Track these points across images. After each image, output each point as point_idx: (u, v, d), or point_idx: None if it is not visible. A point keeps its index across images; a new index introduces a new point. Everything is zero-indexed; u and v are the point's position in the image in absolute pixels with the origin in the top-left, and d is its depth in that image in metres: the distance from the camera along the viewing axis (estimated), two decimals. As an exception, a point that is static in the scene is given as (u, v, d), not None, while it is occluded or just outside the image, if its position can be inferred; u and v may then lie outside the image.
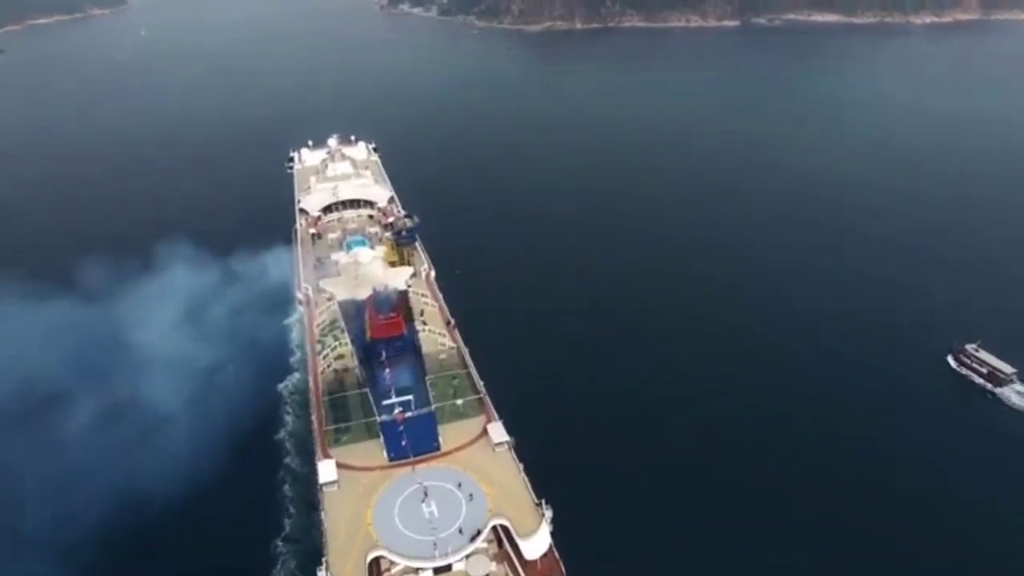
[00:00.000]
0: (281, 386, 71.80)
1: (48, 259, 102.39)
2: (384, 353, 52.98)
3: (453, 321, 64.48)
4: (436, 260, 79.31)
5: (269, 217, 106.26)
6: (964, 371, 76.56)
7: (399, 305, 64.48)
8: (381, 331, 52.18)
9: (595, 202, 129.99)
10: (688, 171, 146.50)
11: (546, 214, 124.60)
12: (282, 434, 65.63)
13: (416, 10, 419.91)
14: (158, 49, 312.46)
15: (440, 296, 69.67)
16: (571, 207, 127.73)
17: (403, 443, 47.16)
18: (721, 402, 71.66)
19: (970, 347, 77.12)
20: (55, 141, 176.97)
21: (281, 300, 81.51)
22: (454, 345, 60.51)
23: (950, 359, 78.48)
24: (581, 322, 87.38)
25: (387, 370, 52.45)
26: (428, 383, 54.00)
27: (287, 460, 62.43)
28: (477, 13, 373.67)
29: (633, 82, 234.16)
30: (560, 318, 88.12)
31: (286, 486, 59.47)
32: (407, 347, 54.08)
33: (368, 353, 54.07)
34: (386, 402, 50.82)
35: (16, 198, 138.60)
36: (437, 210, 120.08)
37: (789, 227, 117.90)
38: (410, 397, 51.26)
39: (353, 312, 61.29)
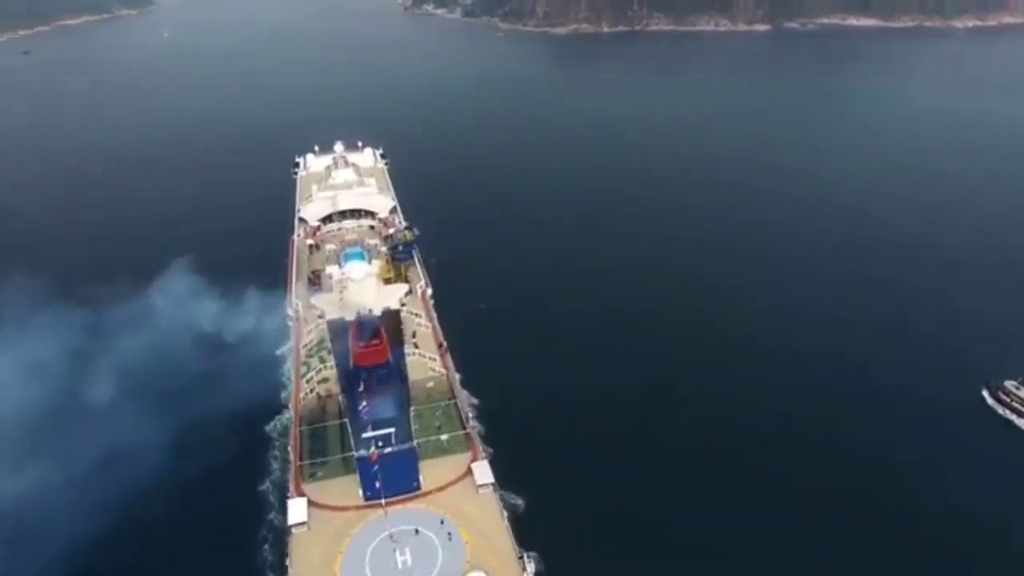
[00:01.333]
0: (268, 427, 65.25)
1: (35, 265, 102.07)
2: (366, 382, 50.03)
3: (446, 344, 61.56)
4: (444, 275, 77.79)
5: (274, 226, 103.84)
6: (1002, 410, 70.89)
7: (390, 326, 61.74)
8: (363, 358, 49.25)
9: (616, 213, 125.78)
10: (714, 178, 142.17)
11: (562, 225, 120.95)
12: (266, 484, 58.69)
13: (440, 11, 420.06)
14: (178, 50, 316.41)
15: (435, 316, 66.80)
16: (590, 218, 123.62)
17: (376, 485, 44.22)
18: (749, 450, 66.26)
19: (1010, 384, 71.56)
20: (60, 142, 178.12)
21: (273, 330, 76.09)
22: (444, 371, 57.48)
23: (985, 394, 72.90)
24: (596, 346, 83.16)
25: (368, 400, 49.55)
26: (413, 414, 51.00)
27: (270, 516, 54.79)
28: (501, 15, 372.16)
29: (659, 88, 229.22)
30: (573, 342, 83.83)
31: (267, 547, 52.71)
32: (392, 375, 51.01)
33: (350, 380, 51.15)
34: (366, 435, 48.00)
35: (13, 197, 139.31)
36: (445, 221, 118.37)
37: (817, 238, 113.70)
38: (391, 430, 48.36)
39: (340, 333, 58.39)
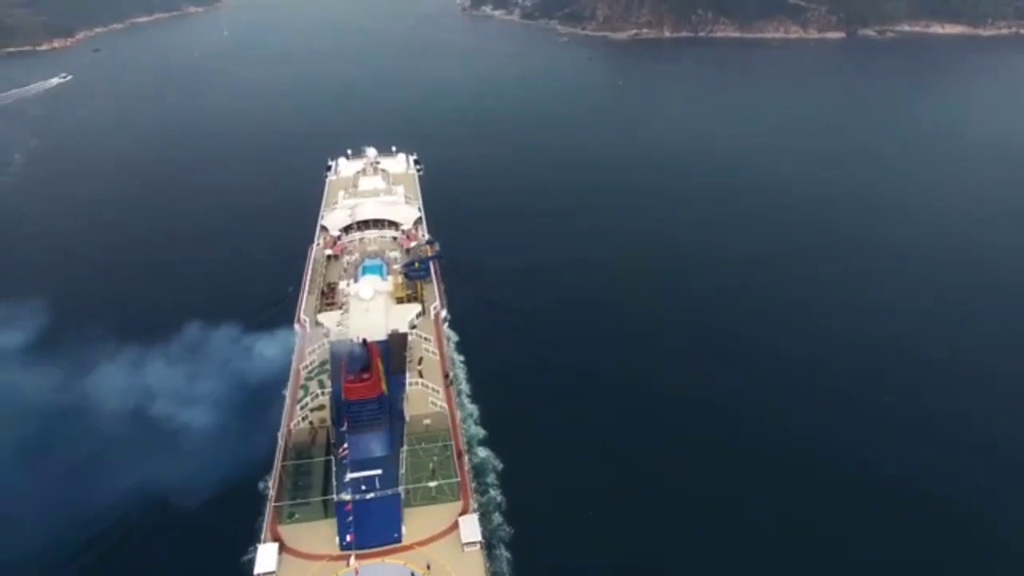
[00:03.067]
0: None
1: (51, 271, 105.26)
2: (354, 417, 46.81)
3: (452, 375, 57.68)
4: (468, 291, 75.35)
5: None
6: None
7: (395, 350, 58.51)
8: (352, 392, 46.11)
9: (662, 238, 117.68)
10: (779, 207, 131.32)
11: (604, 249, 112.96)
12: (242, 524, 50.72)
13: (498, 12, 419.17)
14: (235, 49, 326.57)
15: (445, 341, 63.12)
16: (633, 244, 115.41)
17: (348, 537, 40.68)
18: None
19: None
20: (98, 141, 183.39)
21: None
22: (444, 407, 53.58)
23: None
24: (628, 395, 75.54)
25: (354, 438, 46.31)
26: (403, 455, 47.36)
27: (245, 558, 47.27)
28: (560, 18, 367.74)
29: (721, 100, 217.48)
30: (601, 390, 76.15)
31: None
32: (384, 410, 47.64)
33: (340, 413, 48.10)
34: (350, 475, 44.71)
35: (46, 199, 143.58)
36: (475, 236, 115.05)
37: (892, 279, 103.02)
38: (378, 472, 44.96)
39: (343, 357, 55.32)
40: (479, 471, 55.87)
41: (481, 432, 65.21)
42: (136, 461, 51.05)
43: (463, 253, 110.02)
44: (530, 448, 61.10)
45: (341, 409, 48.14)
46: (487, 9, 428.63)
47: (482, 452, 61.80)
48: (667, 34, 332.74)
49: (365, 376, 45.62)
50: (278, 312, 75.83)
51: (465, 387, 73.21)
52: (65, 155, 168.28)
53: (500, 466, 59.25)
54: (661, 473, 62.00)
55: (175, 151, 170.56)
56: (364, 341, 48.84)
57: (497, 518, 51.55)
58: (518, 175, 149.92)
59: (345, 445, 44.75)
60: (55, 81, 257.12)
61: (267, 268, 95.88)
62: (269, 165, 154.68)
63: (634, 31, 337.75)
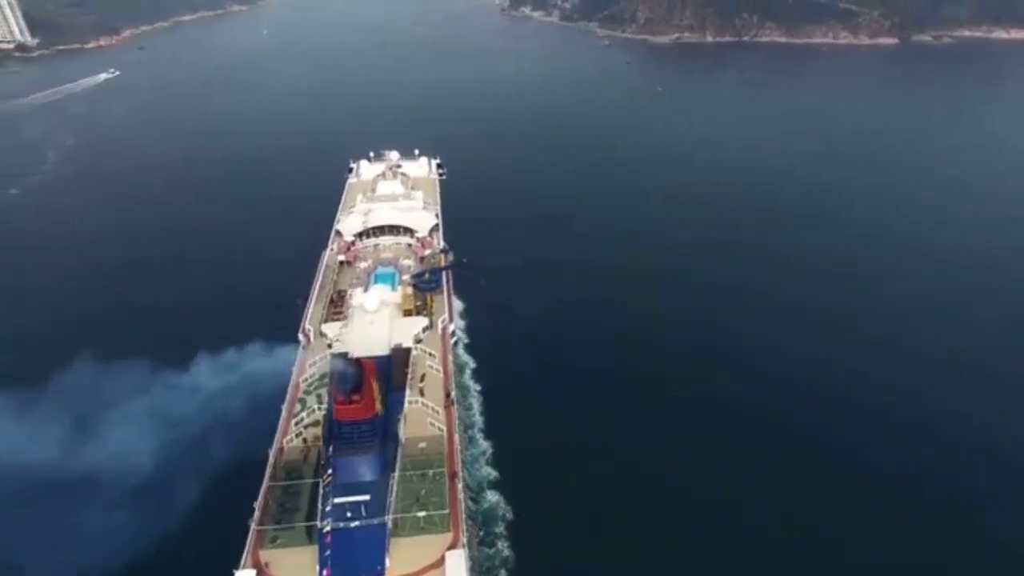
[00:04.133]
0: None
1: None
2: (343, 439, 44.91)
3: (454, 395, 55.28)
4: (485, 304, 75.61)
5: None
6: None
7: (397, 366, 56.57)
8: (342, 413, 44.22)
9: (693, 255, 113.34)
10: (819, 219, 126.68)
11: (632, 266, 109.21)
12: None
13: (537, 13, 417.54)
14: (274, 47, 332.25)
15: (451, 357, 60.78)
16: (669, 256, 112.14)
17: (324, 572, 38.65)
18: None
19: None
20: (131, 139, 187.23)
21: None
22: (443, 430, 51.21)
23: None
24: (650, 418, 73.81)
25: (342, 461, 44.44)
26: (394, 481, 45.20)
27: None
28: (600, 20, 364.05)
29: (765, 108, 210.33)
30: (620, 413, 74.70)
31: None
32: (376, 432, 45.56)
33: (331, 432, 46.28)
34: (336, 500, 42.83)
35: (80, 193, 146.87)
36: (498, 243, 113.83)
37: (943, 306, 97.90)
38: (365, 498, 42.88)
39: (342, 371, 53.45)
40: (487, 518, 53.87)
41: (492, 474, 63.16)
42: (119, 477, 50.02)
43: (484, 260, 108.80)
44: (545, 497, 58.51)
45: (332, 429, 46.36)
46: (526, 10, 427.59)
47: (492, 496, 59.65)
48: (710, 38, 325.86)
49: (355, 398, 43.60)
50: (288, 319, 74.86)
51: (478, 419, 71.52)
52: (96, 154, 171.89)
53: (510, 516, 57.05)
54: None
55: (205, 150, 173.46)
56: (357, 360, 46.80)
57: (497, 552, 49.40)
58: (547, 181, 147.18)
59: (330, 471, 42.89)
60: (103, 76, 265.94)
61: (284, 272, 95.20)
62: (297, 165, 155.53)
63: (676, 35, 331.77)
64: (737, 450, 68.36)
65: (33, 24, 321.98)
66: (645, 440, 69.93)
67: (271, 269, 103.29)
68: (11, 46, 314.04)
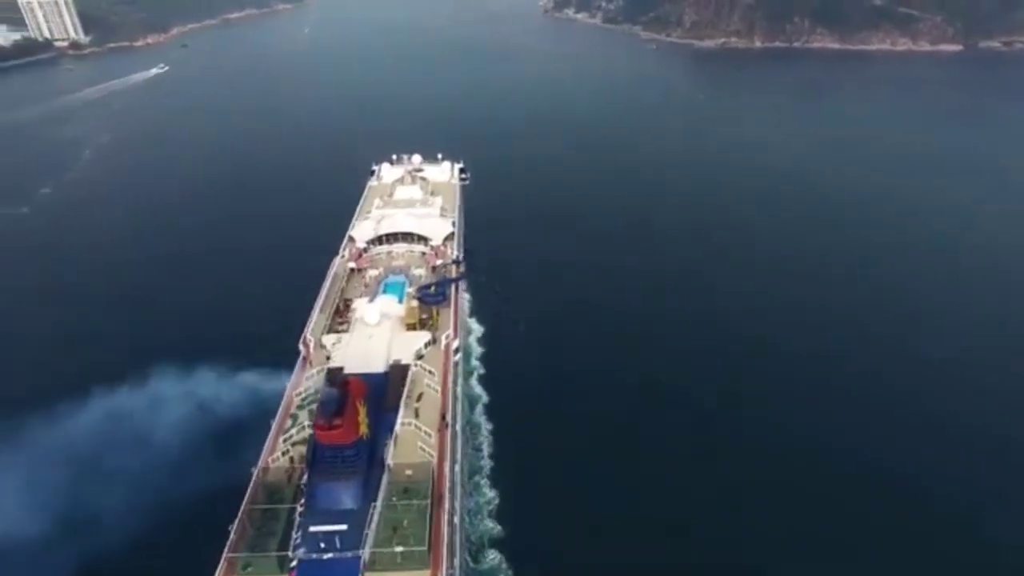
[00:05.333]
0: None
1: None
2: (324, 463, 42.85)
3: (449, 418, 52.70)
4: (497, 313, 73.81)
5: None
6: None
7: (394, 384, 54.36)
8: (322, 438, 42.16)
9: (733, 271, 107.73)
10: (867, 240, 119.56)
11: (667, 284, 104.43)
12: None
13: (580, 15, 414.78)
14: (314, 46, 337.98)
15: (452, 376, 58.20)
16: (697, 278, 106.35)
17: None
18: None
19: None
20: (164, 136, 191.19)
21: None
22: (433, 456, 48.67)
23: None
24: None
25: (321, 486, 42.40)
26: (376, 510, 42.83)
27: None
28: (644, 23, 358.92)
29: (813, 121, 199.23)
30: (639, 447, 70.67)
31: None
32: (360, 457, 43.32)
33: (313, 456, 44.27)
34: (312, 528, 40.75)
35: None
36: (517, 257, 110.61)
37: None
38: (343, 528, 40.72)
39: (325, 393, 50.84)
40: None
41: (495, 528, 59.96)
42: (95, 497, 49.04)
43: (506, 268, 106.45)
44: (553, 565, 54.59)
45: (315, 451, 44.34)
46: (569, 12, 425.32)
47: (492, 556, 56.84)
48: (758, 44, 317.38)
49: (336, 422, 41.45)
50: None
51: (487, 463, 67.94)
52: (127, 152, 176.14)
53: None
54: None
55: (235, 149, 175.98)
56: (344, 381, 44.69)
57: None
58: (577, 190, 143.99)
59: (303, 500, 40.88)
60: (154, 71, 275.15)
61: (299, 276, 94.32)
62: (329, 164, 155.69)
63: (722, 40, 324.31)
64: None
65: (87, 22, 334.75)
66: (682, 507, 62.79)
67: (287, 272, 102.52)
68: (65, 44, 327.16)
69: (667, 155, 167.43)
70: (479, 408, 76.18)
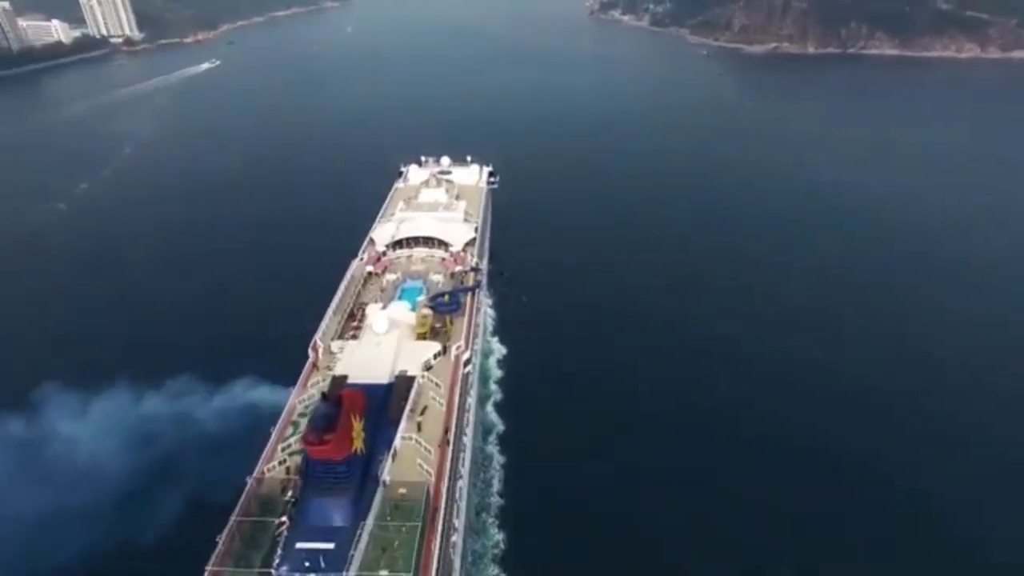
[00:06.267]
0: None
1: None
2: (315, 478, 41.51)
3: (452, 435, 50.83)
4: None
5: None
6: None
7: (398, 396, 52.84)
8: (312, 453, 40.81)
9: (771, 293, 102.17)
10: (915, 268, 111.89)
11: (706, 304, 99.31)
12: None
13: (626, 17, 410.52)
14: (356, 45, 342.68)
15: (460, 390, 56.32)
16: (736, 300, 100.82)
17: None
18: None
19: None
20: (201, 132, 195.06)
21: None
22: (431, 473, 46.89)
23: None
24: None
25: (310, 501, 41.08)
26: (364, 529, 41.24)
27: None
28: (692, 26, 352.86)
29: (867, 133, 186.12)
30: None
31: None
32: (352, 473, 41.77)
33: (305, 469, 43.01)
34: (299, 545, 39.46)
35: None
36: (547, 266, 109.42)
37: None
38: (330, 546, 39.29)
39: (315, 407, 49.29)
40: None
41: None
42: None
43: (532, 278, 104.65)
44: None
45: (307, 464, 43.06)
46: (615, 13, 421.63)
47: None
48: (810, 49, 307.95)
49: (327, 437, 40.05)
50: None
51: (495, 500, 64.62)
52: (164, 148, 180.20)
53: None
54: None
55: (270, 147, 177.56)
56: (338, 395, 43.33)
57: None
58: (612, 198, 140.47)
59: (283, 519, 39.57)
60: (205, 66, 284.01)
61: (324, 279, 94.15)
62: (356, 164, 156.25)
63: (773, 44, 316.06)
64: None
65: (141, 19, 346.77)
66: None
67: (312, 272, 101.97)
68: (120, 40, 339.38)
69: (708, 164, 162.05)
70: (493, 437, 72.00)
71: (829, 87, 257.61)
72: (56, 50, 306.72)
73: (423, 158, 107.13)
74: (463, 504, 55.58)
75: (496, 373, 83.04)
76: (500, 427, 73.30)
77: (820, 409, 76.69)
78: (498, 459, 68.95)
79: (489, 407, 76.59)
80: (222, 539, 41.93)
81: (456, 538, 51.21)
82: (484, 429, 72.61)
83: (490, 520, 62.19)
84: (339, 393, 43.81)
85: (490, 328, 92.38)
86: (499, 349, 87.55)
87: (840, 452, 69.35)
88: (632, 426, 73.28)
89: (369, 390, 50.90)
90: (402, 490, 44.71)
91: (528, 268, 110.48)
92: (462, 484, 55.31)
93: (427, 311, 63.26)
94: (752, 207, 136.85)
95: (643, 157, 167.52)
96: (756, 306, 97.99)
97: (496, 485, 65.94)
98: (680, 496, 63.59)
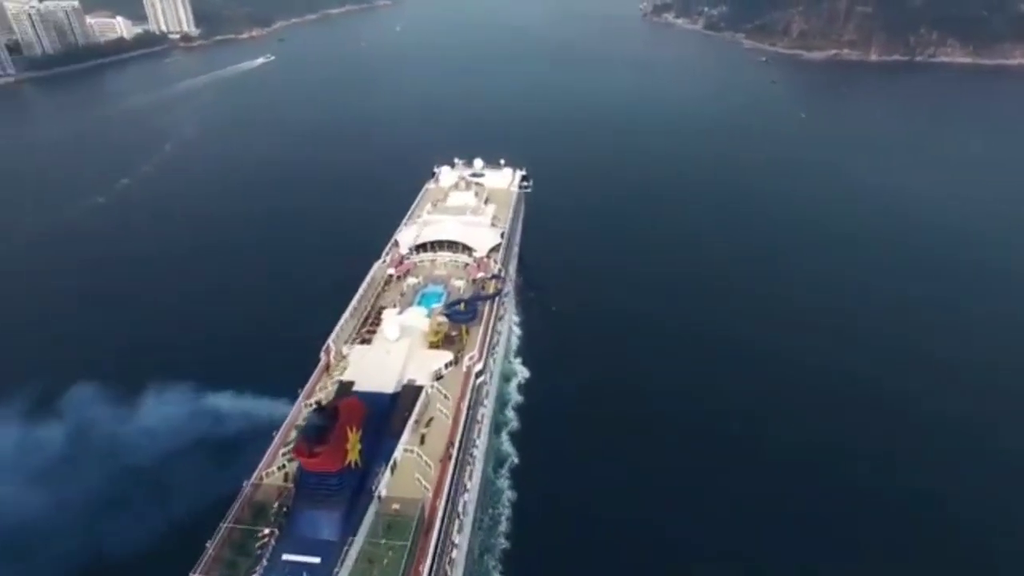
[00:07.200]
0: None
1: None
2: (308, 488, 40.71)
3: (455, 450, 49.32)
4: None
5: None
6: None
7: (403, 406, 51.73)
8: (306, 464, 39.95)
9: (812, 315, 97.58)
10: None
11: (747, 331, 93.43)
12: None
13: (680, 20, 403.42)
14: (404, 43, 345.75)
15: (470, 403, 54.83)
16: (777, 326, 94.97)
17: None
18: None
19: None
20: (240, 131, 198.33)
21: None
22: (428, 490, 45.47)
23: None
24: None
25: (302, 512, 40.30)
26: (351, 545, 40.15)
27: None
28: (747, 31, 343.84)
29: (934, 149, 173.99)
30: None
31: None
32: (345, 486, 40.82)
33: (299, 478, 42.20)
34: (285, 556, 38.78)
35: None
36: (575, 274, 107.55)
37: None
38: (316, 560, 38.56)
39: (308, 419, 48.11)
40: None
41: None
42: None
43: (560, 284, 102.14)
44: None
45: (300, 474, 42.25)
46: (668, 16, 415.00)
47: None
48: (874, 57, 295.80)
49: (318, 449, 39.10)
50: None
51: (500, 542, 61.79)
52: (205, 144, 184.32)
53: None
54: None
55: (310, 144, 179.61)
56: (335, 406, 42.38)
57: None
58: (651, 210, 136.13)
59: (266, 531, 38.75)
60: (260, 60, 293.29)
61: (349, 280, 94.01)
62: (393, 164, 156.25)
63: (833, 51, 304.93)
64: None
65: (199, 16, 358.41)
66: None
67: (339, 272, 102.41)
68: (178, 36, 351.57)
69: (755, 179, 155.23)
70: (504, 470, 68.83)
71: (895, 97, 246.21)
72: (118, 46, 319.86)
73: (456, 160, 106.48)
74: (467, 520, 54.08)
75: (516, 398, 79.52)
76: (514, 459, 69.63)
77: (838, 412, 77.34)
78: (508, 495, 65.34)
79: (504, 436, 73.41)
80: (212, 545, 41.48)
81: (457, 555, 49.73)
82: (496, 459, 69.46)
83: (493, 563, 59.04)
84: (336, 404, 42.95)
85: (514, 347, 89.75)
86: (521, 372, 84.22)
87: (854, 455, 70.51)
88: (669, 468, 67.17)
89: (373, 399, 50.10)
90: (396, 506, 43.56)
91: (560, 275, 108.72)
92: (467, 499, 53.84)
93: (442, 319, 62.10)
94: (794, 223, 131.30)
95: (687, 166, 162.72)
96: (815, 319, 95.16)
97: (503, 525, 62.36)
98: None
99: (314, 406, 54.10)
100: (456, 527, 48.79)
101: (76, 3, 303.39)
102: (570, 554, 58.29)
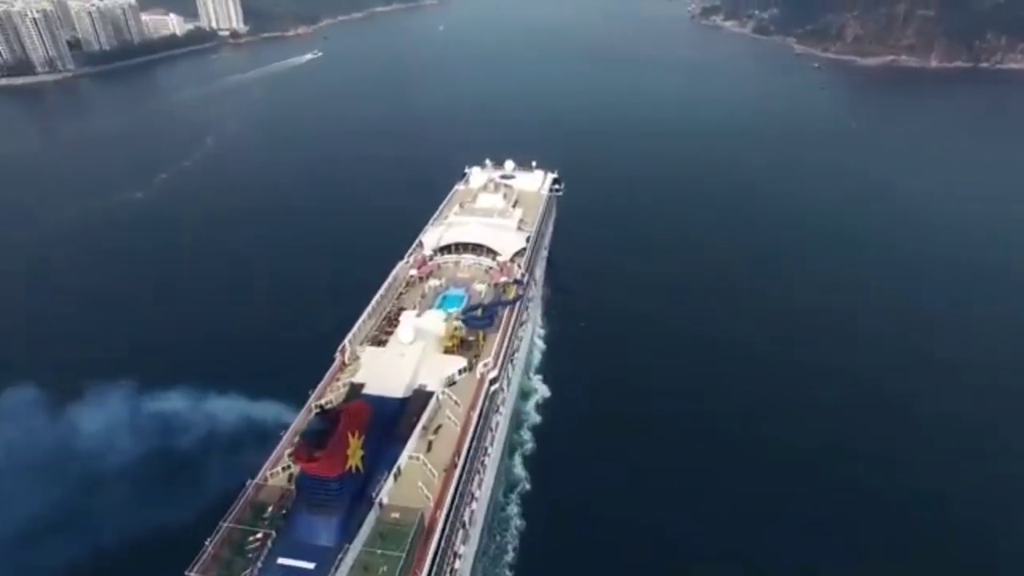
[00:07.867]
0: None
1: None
2: (308, 492, 40.23)
3: (461, 459, 48.23)
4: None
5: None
6: None
7: (411, 412, 51.00)
8: (306, 468, 39.43)
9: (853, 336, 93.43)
10: None
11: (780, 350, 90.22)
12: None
13: (728, 23, 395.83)
14: (446, 42, 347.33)
15: (481, 411, 53.71)
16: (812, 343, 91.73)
17: None
18: None
19: None
20: (281, 127, 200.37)
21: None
22: (430, 499, 44.51)
23: None
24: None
25: (303, 517, 39.86)
26: (346, 553, 39.48)
27: None
28: (799, 35, 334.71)
29: (1001, 167, 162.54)
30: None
31: None
32: (344, 492, 40.14)
33: (300, 481, 41.73)
34: (280, 560, 38.39)
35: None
36: (606, 280, 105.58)
37: None
38: (310, 566, 38.01)
39: (308, 423, 47.53)
40: None
41: None
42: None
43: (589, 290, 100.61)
44: None
45: (300, 477, 41.77)
46: (717, 19, 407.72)
47: None
48: (934, 63, 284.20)
49: (317, 454, 38.54)
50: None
51: (505, 571, 59.82)
52: (245, 140, 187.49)
53: None
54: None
55: (347, 143, 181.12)
56: (335, 410, 41.77)
57: None
58: (688, 222, 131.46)
59: (259, 535, 38.30)
60: (308, 56, 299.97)
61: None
62: (428, 164, 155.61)
63: (890, 57, 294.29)
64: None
65: (248, 13, 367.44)
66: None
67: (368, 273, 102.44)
68: (227, 33, 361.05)
69: (798, 193, 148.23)
70: (515, 495, 66.79)
71: (957, 107, 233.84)
72: (170, 42, 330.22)
73: (487, 161, 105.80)
74: (475, 532, 53.03)
75: (533, 418, 76.96)
76: (526, 485, 67.30)
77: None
78: (516, 523, 63.17)
79: (516, 459, 70.94)
80: (212, 544, 41.34)
81: (461, 565, 48.74)
82: (507, 484, 67.38)
83: (507, 560, 57.75)
84: (339, 408, 42.45)
85: (535, 362, 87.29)
86: (541, 390, 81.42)
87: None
88: (682, 468, 67.74)
89: (381, 403, 49.56)
90: (395, 514, 42.71)
91: (590, 280, 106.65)
92: (475, 508, 52.79)
93: (458, 323, 61.19)
94: (840, 243, 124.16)
95: (731, 176, 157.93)
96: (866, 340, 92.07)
97: (510, 555, 60.13)
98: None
99: (320, 409, 54.41)
100: (460, 537, 47.75)
101: (133, 0, 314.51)
102: (573, 556, 58.94)
